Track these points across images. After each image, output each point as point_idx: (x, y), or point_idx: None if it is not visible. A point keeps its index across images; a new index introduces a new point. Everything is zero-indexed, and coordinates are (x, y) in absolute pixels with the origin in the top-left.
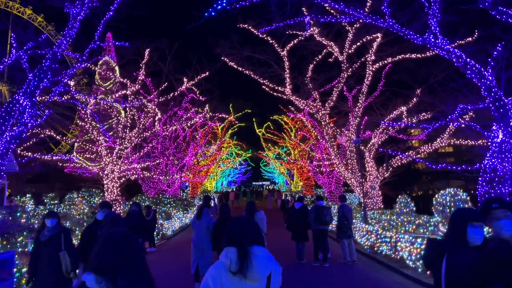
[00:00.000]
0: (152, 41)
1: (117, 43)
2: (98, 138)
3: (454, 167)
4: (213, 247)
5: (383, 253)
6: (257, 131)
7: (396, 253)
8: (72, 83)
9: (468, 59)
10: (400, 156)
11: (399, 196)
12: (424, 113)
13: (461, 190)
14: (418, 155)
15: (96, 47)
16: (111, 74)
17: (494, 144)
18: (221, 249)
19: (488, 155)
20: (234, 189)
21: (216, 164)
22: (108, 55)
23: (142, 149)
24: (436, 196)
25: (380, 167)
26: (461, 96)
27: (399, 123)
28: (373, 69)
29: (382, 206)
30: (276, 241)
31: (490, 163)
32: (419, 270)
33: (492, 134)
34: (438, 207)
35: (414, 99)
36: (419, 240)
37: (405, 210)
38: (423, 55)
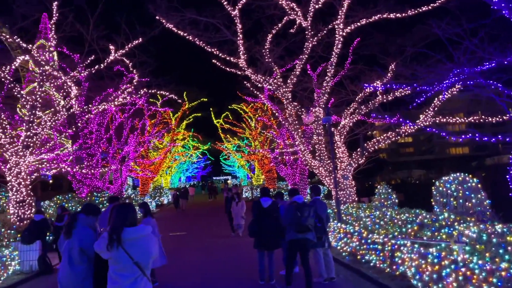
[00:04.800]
0: None
1: None
2: None
3: (494, 139)
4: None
5: (371, 263)
6: (214, 121)
7: (394, 266)
8: None
9: None
10: (410, 125)
11: (379, 186)
12: (401, 89)
13: (470, 176)
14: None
15: None
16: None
17: None
18: None
19: None
20: (192, 184)
21: (170, 157)
22: (44, 38)
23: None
24: (437, 183)
25: (353, 152)
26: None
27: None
28: (344, 34)
29: (356, 199)
30: (229, 250)
31: None
32: None
33: None
34: (440, 199)
35: (390, 72)
36: (433, 251)
37: (386, 203)
38: (403, 14)
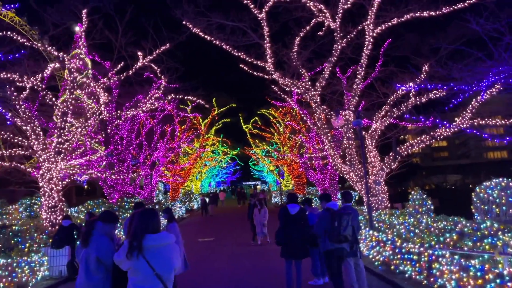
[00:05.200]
0: None
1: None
2: (26, 127)
3: None
4: None
5: (406, 274)
6: (243, 126)
7: (431, 279)
8: None
9: None
10: (448, 127)
11: (413, 192)
12: (435, 91)
13: None
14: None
15: None
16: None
17: None
18: None
19: None
20: (222, 189)
21: (201, 163)
22: (79, 47)
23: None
24: (478, 189)
25: (385, 157)
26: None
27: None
28: (374, 34)
29: (388, 205)
30: (255, 258)
31: None
32: None
33: None
34: (480, 206)
35: (423, 73)
36: (475, 263)
37: (420, 210)
38: (437, 12)
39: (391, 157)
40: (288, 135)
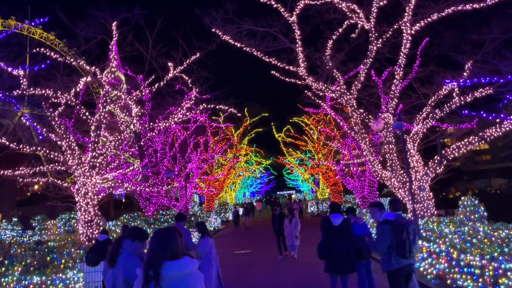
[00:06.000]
0: (117, 10)
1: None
2: (61, 142)
3: None
4: None
5: None
6: (276, 135)
7: None
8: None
9: None
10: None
11: (463, 198)
12: (481, 89)
13: None
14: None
15: None
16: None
17: None
18: None
19: None
20: (259, 199)
21: (234, 173)
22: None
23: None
24: None
25: (429, 161)
26: None
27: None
28: (412, 32)
29: (435, 213)
30: (298, 272)
31: None
32: None
33: None
34: None
35: (466, 71)
36: None
37: (472, 217)
38: (481, 4)
39: (436, 161)
40: (323, 142)
